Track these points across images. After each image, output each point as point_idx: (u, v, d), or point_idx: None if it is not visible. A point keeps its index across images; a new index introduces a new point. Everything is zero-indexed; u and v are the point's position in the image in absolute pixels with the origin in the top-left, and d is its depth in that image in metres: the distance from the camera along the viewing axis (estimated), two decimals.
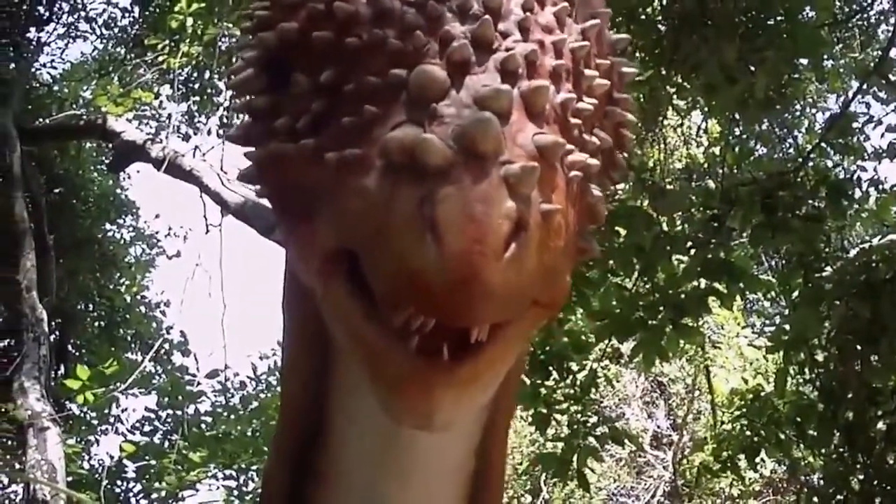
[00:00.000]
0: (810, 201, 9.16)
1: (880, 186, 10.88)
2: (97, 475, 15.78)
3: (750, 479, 16.82)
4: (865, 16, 16.53)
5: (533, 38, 1.43)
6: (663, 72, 9.84)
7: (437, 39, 1.38)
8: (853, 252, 9.57)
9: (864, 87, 12.48)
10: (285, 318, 1.88)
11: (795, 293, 9.78)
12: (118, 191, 20.05)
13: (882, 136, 11.58)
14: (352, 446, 1.77)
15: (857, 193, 10.34)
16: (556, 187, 1.36)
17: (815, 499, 9.87)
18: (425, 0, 1.41)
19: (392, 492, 1.76)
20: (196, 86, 18.56)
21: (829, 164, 11.77)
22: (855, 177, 10.40)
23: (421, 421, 1.34)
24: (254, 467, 15.35)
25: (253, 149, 1.58)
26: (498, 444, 1.87)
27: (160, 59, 16.43)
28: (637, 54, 9.64)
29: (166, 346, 18.31)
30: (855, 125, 11.05)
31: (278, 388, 14.68)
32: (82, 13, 19.95)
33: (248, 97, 1.59)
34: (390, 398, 1.35)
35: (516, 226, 1.27)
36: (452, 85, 1.34)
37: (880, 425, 9.38)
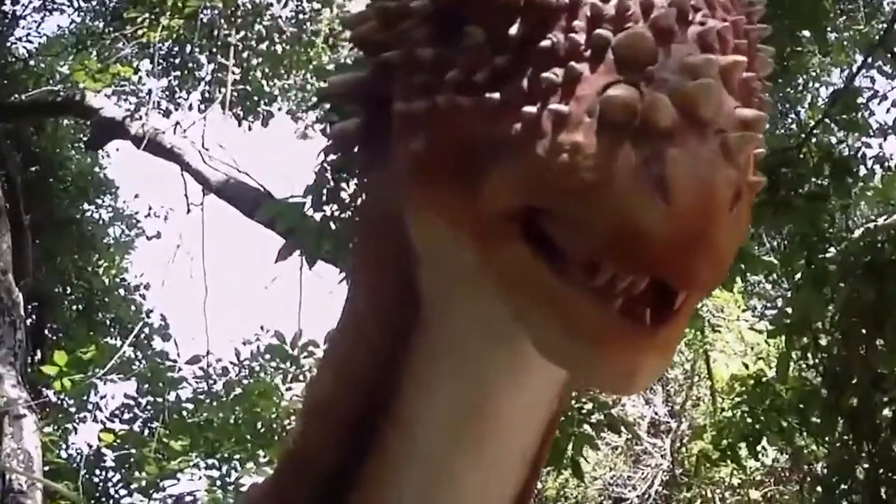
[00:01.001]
0: (813, 179, 9.16)
1: (885, 164, 10.89)
2: (75, 464, 15.77)
3: (751, 467, 16.84)
4: None
5: (718, 16, 1.47)
6: None
7: (639, 5, 1.40)
8: (858, 232, 9.56)
9: (869, 60, 12.48)
10: (357, 280, 1.95)
11: (798, 275, 9.78)
12: (97, 169, 20.02)
13: (887, 111, 11.60)
14: (424, 418, 1.81)
15: (862, 171, 10.36)
16: (753, 160, 1.42)
17: (819, 488, 9.92)
18: None
19: (463, 470, 1.82)
20: (177, 60, 18.55)
21: (833, 140, 11.74)
22: (860, 154, 10.43)
23: (623, 382, 1.41)
24: (237, 456, 15.32)
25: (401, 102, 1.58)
26: (551, 435, 1.94)
27: (140, 32, 16.41)
28: None
29: (146, 330, 18.33)
30: (860, 100, 11.04)
31: (261, 374, 14.67)
32: None
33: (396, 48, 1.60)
34: (592, 358, 1.39)
35: (735, 193, 1.33)
36: (660, 50, 1.37)
37: (886, 412, 9.40)
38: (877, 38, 12.14)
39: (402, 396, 1.82)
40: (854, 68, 12.70)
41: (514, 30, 1.45)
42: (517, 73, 1.43)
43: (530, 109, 1.38)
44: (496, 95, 1.43)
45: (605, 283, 1.36)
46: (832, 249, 9.31)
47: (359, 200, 1.93)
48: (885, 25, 11.91)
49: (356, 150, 1.86)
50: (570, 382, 1.85)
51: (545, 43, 1.42)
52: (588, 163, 1.31)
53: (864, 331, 9.10)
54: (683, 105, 1.31)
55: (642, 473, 20.23)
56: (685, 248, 1.29)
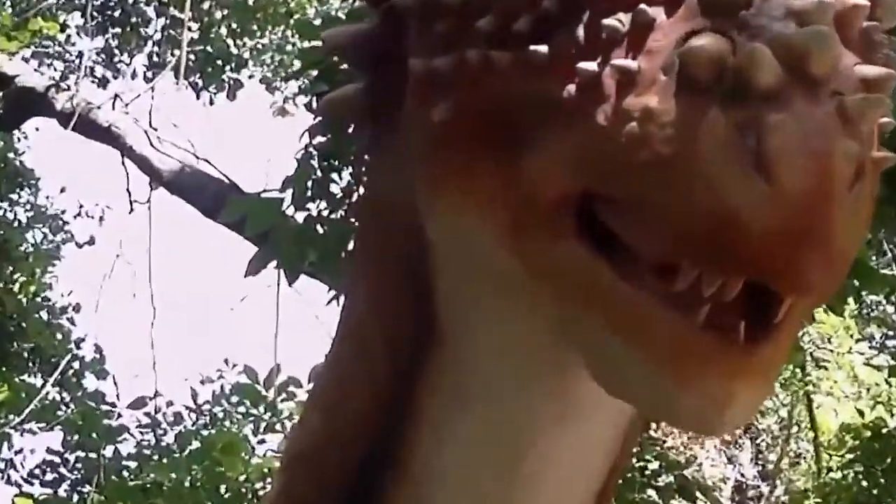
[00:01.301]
0: None
1: None
2: None
3: None
4: None
5: None
6: None
7: None
8: None
9: None
10: (356, 292, 1.96)
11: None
12: (11, 155, 20.11)
13: None
14: (436, 475, 1.82)
15: None
16: (877, 131, 1.39)
17: None
18: None
19: None
20: (116, 13, 18.63)
21: None
22: None
23: (709, 417, 1.36)
24: None
25: (422, 58, 1.59)
26: (611, 493, 1.92)
27: None
28: None
29: (76, 365, 18.37)
30: None
31: (226, 423, 14.75)
32: None
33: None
34: (669, 386, 1.35)
35: (856, 171, 1.29)
36: None
37: None
38: None
39: (412, 444, 1.83)
40: None
41: None
42: (570, 20, 1.42)
43: (588, 66, 1.37)
44: (543, 48, 1.42)
45: (687, 288, 1.33)
46: None
47: (359, 190, 1.95)
48: None
49: (356, 124, 1.89)
50: (635, 421, 1.83)
51: None
52: (665, 133, 1.30)
53: None
54: (789, 59, 1.28)
55: None
56: (792, 242, 1.26)
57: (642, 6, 1.36)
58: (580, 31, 1.40)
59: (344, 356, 1.97)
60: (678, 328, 1.34)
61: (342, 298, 2.04)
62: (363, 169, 1.91)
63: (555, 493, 1.80)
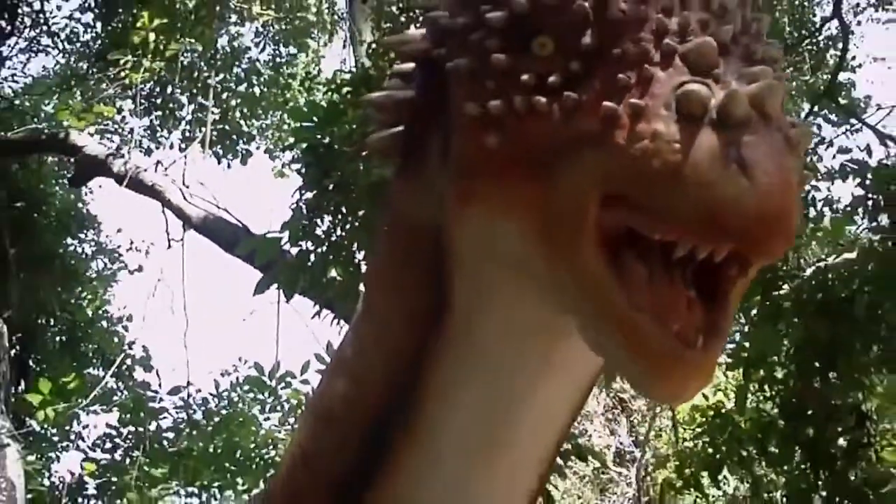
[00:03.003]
0: None
1: (834, 206, 11.01)
2: (58, 492, 15.72)
3: (713, 496, 16.82)
4: (815, 40, 16.81)
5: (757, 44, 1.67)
6: None
7: (697, 23, 1.58)
8: (809, 271, 9.66)
9: (815, 109, 12.64)
10: (380, 285, 2.01)
11: (754, 311, 9.85)
12: (80, 205, 19.91)
13: (833, 157, 11.66)
14: (442, 430, 1.88)
15: (812, 213, 10.47)
16: None
17: None
18: None
19: (479, 482, 1.90)
20: (158, 101, 18.55)
21: None
22: (809, 197, 10.53)
23: (677, 394, 1.56)
24: (216, 484, 15.33)
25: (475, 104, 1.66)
26: (562, 445, 2.03)
27: (122, 74, 16.36)
28: None
29: (128, 361, 18.20)
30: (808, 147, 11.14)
31: (240, 405, 14.59)
32: (44, 27, 19.87)
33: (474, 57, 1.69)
34: (650, 377, 1.53)
35: (798, 181, 1.49)
36: (721, 59, 1.54)
37: (840, 442, 9.46)
38: (822, 88, 12.32)
39: (421, 407, 1.87)
40: (801, 116, 12.85)
41: (586, 39, 1.58)
42: (591, 76, 1.57)
43: (609, 104, 1.51)
44: (574, 95, 1.55)
45: (666, 304, 1.52)
46: (786, 287, 9.40)
47: (388, 205, 2.01)
48: (829, 76, 12.08)
49: (389, 159, 1.96)
50: (595, 379, 1.95)
51: (617, 50, 1.56)
52: (671, 147, 1.45)
53: (817, 364, 9.20)
54: (753, 101, 1.45)
55: (609, 501, 20.23)
56: (767, 220, 1.43)
57: (645, 65, 1.52)
58: (598, 84, 1.55)
59: (364, 337, 2.01)
60: (659, 338, 1.50)
61: (365, 287, 2.09)
62: (393, 190, 1.94)
63: (532, 439, 1.90)
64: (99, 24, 19.12)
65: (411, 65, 1.89)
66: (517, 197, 1.60)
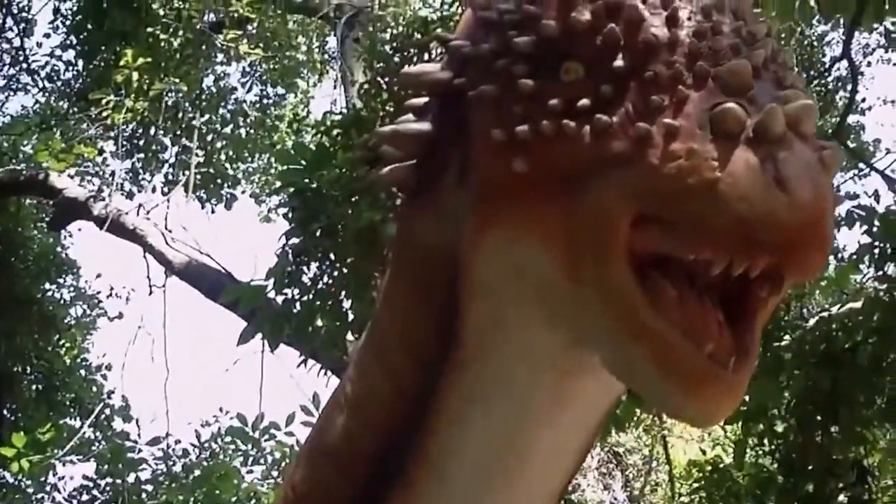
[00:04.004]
0: None
1: (839, 255, 11.01)
2: None
3: None
4: (824, 81, 16.81)
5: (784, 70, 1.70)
6: None
7: (728, 47, 1.62)
8: (812, 321, 9.64)
9: None
10: (386, 317, 2.01)
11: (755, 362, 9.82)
12: (59, 249, 19.94)
13: (840, 203, 11.60)
14: (456, 456, 1.88)
15: None
16: None
17: None
18: (710, 11, 1.65)
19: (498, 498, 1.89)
20: (141, 142, 18.58)
21: None
22: None
23: (704, 420, 1.56)
24: None
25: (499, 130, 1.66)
26: (575, 474, 2.05)
27: (104, 114, 16.41)
28: None
29: (107, 411, 18.18)
30: None
31: (221, 457, 14.54)
32: (24, 65, 19.95)
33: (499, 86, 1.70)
34: (683, 396, 1.53)
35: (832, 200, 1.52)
36: (755, 80, 1.57)
37: (841, 497, 9.42)
38: (830, 130, 12.32)
39: (433, 433, 1.87)
40: None
41: (618, 62, 1.60)
42: (622, 99, 1.58)
43: (642, 125, 1.54)
44: (605, 117, 1.57)
45: (700, 324, 1.54)
46: (787, 338, 9.37)
47: (399, 235, 2.02)
48: (838, 119, 12.10)
49: (402, 192, 1.96)
50: (603, 421, 1.95)
51: (649, 73, 1.58)
52: (707, 164, 1.48)
53: (819, 418, 9.17)
54: (790, 120, 1.49)
55: None
56: (805, 235, 1.46)
57: (680, 87, 1.56)
58: (631, 106, 1.57)
59: (370, 368, 2.00)
60: (692, 357, 1.51)
61: (375, 310, 2.09)
62: (405, 222, 1.95)
63: (545, 467, 1.90)
64: (81, 63, 19.21)
65: (424, 99, 1.91)
66: (542, 219, 1.62)
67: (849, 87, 14.57)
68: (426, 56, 9.77)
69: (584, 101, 1.59)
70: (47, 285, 19.73)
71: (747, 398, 9.58)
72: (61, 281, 20.16)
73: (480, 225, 1.71)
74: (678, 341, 1.52)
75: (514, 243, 1.66)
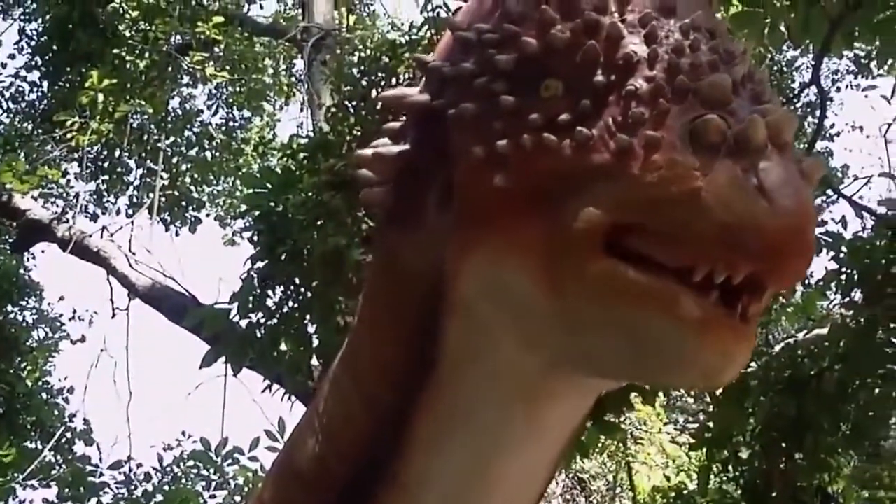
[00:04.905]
0: None
1: (806, 281, 11.03)
2: None
3: None
4: (793, 107, 16.82)
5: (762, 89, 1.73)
6: None
7: (706, 64, 1.64)
8: (778, 347, 9.67)
9: None
10: (360, 339, 2.04)
11: (719, 389, 9.84)
12: (21, 271, 19.83)
13: None
14: (428, 480, 1.91)
15: None
16: None
17: None
18: (687, 30, 1.68)
19: None
20: (105, 164, 18.52)
21: None
22: None
23: (721, 367, 1.57)
24: None
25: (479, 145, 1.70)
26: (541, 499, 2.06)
27: (69, 135, 16.35)
28: None
29: (68, 434, 18.06)
30: None
31: (183, 481, 14.47)
32: None
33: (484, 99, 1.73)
34: (696, 344, 1.55)
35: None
36: (734, 95, 1.60)
37: None
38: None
39: (405, 457, 1.89)
40: None
41: (598, 77, 1.64)
42: (602, 113, 1.62)
43: (623, 137, 1.57)
44: (586, 130, 1.60)
45: (702, 279, 1.53)
46: (753, 364, 9.39)
47: (379, 256, 2.04)
48: (806, 145, 12.17)
49: (378, 215, 1.98)
50: (568, 447, 1.97)
51: (629, 87, 1.61)
52: (688, 173, 1.51)
53: (783, 444, 9.18)
54: (770, 130, 1.53)
55: None
56: (788, 242, 1.49)
57: (660, 99, 1.58)
58: (611, 120, 1.60)
59: (341, 391, 2.02)
60: (700, 303, 1.54)
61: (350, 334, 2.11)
62: (384, 243, 1.97)
63: (515, 493, 1.92)
64: (45, 84, 19.13)
65: (399, 123, 1.94)
66: (523, 233, 1.64)
67: (817, 113, 14.65)
68: (394, 80, 9.77)
69: (565, 116, 1.62)
70: (9, 307, 19.61)
71: (711, 424, 9.61)
72: (24, 303, 20.03)
73: (463, 246, 1.73)
74: (683, 290, 1.54)
75: (496, 264, 1.68)
